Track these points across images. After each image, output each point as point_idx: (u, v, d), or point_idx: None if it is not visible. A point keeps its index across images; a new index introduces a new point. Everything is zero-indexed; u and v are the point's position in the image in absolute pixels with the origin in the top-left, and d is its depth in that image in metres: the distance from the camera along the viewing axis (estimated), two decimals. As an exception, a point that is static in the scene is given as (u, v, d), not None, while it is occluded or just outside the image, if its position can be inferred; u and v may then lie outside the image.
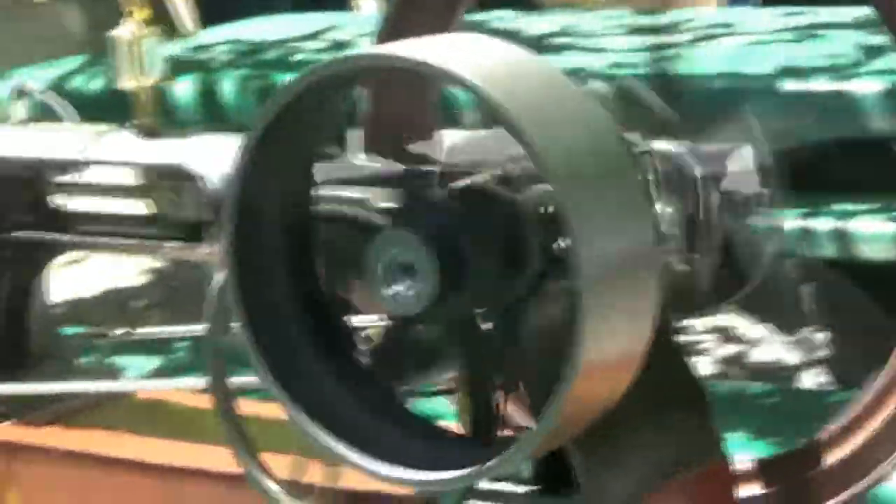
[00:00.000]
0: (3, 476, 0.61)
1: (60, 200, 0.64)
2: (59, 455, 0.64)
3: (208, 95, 1.97)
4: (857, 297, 1.45)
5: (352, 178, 0.57)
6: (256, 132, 0.53)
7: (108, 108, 0.74)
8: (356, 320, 0.56)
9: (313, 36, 2.04)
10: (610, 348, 0.49)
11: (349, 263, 0.54)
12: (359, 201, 0.55)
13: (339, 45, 1.88)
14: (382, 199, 0.55)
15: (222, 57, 2.19)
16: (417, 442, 0.54)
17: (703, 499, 0.61)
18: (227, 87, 1.94)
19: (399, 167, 0.57)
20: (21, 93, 0.68)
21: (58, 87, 1.45)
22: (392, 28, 0.67)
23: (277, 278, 0.55)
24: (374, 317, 0.56)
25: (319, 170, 0.56)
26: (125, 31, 0.63)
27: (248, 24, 2.36)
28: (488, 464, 0.50)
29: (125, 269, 2.12)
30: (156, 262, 2.19)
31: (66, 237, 0.63)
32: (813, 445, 0.64)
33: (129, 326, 0.74)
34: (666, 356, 0.58)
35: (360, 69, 0.52)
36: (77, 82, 1.68)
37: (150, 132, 0.63)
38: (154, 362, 0.84)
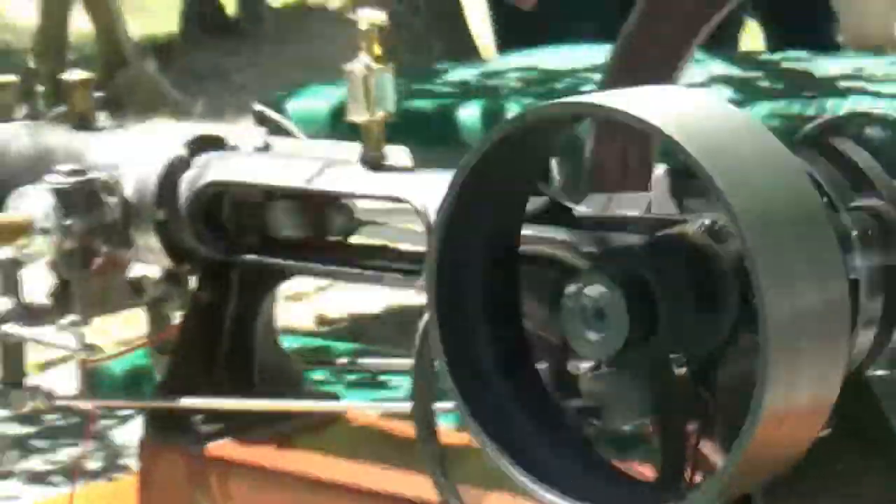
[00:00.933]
0: (218, 494, 0.64)
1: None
2: (274, 475, 0.65)
3: (494, 120, 1.99)
4: None
5: (559, 220, 0.56)
6: (466, 169, 0.53)
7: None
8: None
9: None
10: (795, 400, 0.48)
11: (546, 304, 0.55)
12: (563, 243, 0.56)
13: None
14: (586, 243, 0.55)
15: (512, 83, 2.19)
16: (603, 484, 0.54)
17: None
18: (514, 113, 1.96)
19: (606, 212, 0.56)
20: (262, 118, 0.72)
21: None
22: (616, 76, 0.67)
23: (477, 313, 0.55)
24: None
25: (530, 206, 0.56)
26: (358, 64, 0.64)
27: (545, 51, 2.34)
28: None
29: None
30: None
31: (293, 263, 0.66)
32: None
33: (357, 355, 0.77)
34: (860, 405, 0.57)
35: (562, 115, 0.53)
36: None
37: (375, 165, 0.64)
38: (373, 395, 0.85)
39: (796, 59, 2.07)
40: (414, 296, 0.64)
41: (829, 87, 1.86)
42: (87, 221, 0.64)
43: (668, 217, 0.55)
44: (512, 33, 2.59)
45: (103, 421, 2.16)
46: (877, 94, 1.79)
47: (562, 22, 2.36)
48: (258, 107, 0.71)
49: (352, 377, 0.91)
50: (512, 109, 1.91)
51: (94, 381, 0.83)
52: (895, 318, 0.56)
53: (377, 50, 0.66)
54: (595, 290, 0.51)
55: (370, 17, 0.68)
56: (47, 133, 0.71)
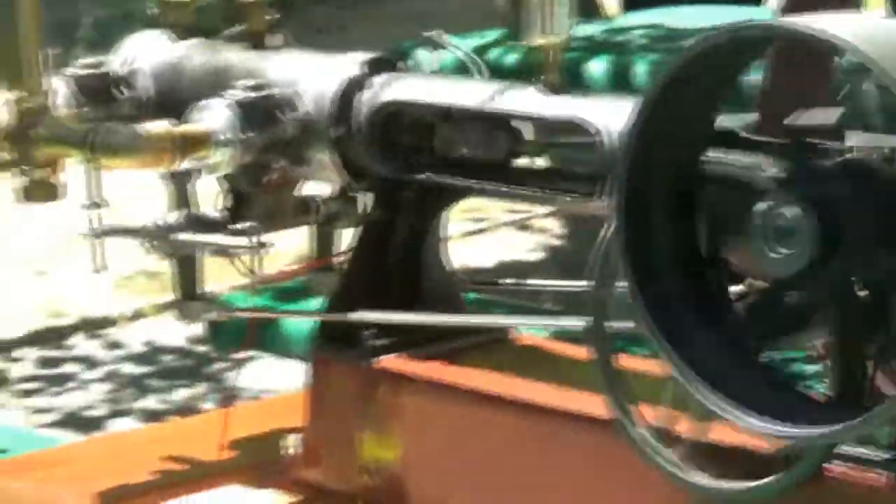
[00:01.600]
0: (387, 407, 0.65)
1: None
2: (443, 389, 0.67)
3: (620, 76, 1.99)
4: None
5: (746, 142, 0.58)
6: (653, 93, 0.55)
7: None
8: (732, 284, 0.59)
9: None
10: None
11: (730, 226, 0.57)
12: (749, 166, 0.57)
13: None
14: (771, 167, 0.56)
15: (639, 41, 2.20)
16: (781, 401, 0.56)
17: None
18: (640, 69, 1.96)
19: (790, 138, 0.57)
20: (435, 44, 0.72)
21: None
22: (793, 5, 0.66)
23: (662, 235, 0.58)
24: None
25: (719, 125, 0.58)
26: (533, -11, 0.65)
27: (670, 10, 2.37)
28: (854, 422, 0.52)
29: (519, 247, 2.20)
30: (550, 241, 2.25)
31: (466, 182, 0.67)
32: None
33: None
34: None
35: (747, 37, 0.55)
36: (493, 54, 1.77)
37: (553, 89, 0.65)
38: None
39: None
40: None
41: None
42: (266, 136, 0.67)
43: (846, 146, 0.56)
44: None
45: (219, 363, 2.21)
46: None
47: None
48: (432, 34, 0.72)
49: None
50: (639, 65, 1.93)
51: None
52: None
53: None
54: (787, 209, 0.53)
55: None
56: (224, 51, 0.73)
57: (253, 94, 0.67)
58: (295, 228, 0.72)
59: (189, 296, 0.70)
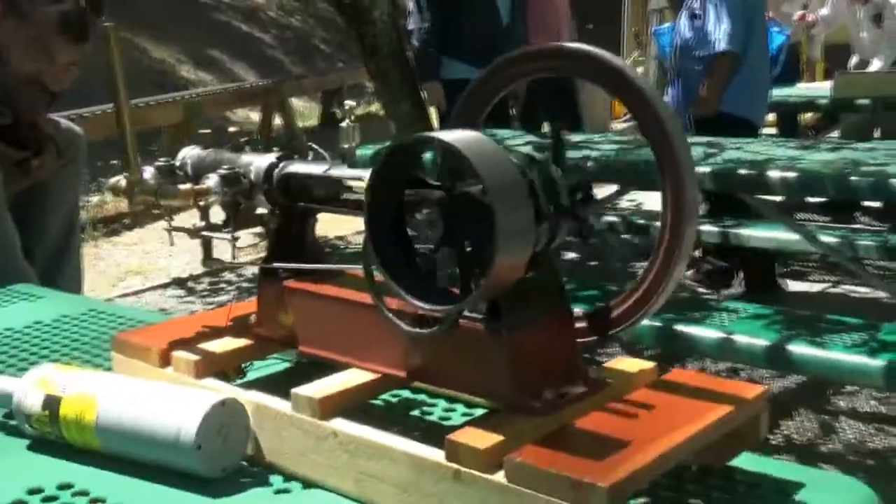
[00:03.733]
0: (289, 301, 1.41)
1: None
2: (312, 294, 1.33)
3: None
4: None
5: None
6: (375, 168, 1.29)
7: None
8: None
9: None
10: (510, 260, 0.98)
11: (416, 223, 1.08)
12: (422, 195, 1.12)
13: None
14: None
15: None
16: (440, 295, 1.05)
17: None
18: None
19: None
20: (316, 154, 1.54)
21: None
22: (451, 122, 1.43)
23: (391, 228, 1.08)
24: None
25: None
26: None
27: None
28: (459, 304, 1.02)
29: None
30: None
31: (320, 207, 1.48)
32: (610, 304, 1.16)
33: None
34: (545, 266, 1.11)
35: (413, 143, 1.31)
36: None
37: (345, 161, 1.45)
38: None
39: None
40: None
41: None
42: (235, 189, 1.46)
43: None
44: None
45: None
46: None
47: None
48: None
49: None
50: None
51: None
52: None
53: None
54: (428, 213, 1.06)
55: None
56: (224, 153, 1.53)
57: (227, 171, 1.39)
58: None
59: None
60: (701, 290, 4.96)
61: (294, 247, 1.34)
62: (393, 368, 1.26)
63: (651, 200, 6.66)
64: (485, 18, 5.59)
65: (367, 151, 4.66)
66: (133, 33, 15.28)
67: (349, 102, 1.38)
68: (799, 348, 2.82)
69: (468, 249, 1.04)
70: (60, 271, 2.94)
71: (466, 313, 1.08)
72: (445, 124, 5.05)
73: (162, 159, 1.45)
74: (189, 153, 1.51)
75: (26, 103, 2.58)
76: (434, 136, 0.99)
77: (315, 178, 1.28)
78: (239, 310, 1.40)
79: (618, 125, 9.63)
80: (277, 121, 10.68)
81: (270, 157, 1.33)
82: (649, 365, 1.19)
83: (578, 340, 1.17)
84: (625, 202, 6.38)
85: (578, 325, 1.18)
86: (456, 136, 0.99)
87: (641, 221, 4.99)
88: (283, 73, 13.51)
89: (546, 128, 5.70)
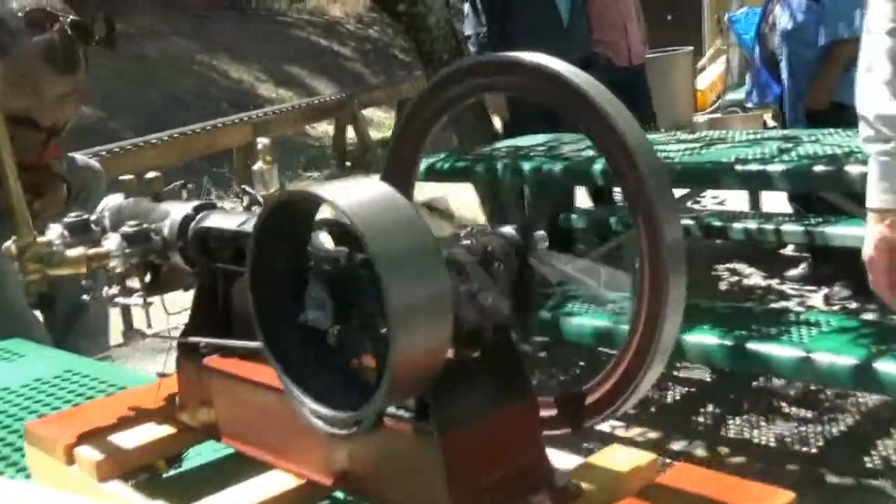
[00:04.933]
0: (209, 384, 1.17)
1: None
2: (231, 376, 1.07)
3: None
4: None
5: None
6: (259, 221, 0.87)
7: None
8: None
9: None
10: (412, 338, 0.75)
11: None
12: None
13: None
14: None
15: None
16: (349, 392, 0.85)
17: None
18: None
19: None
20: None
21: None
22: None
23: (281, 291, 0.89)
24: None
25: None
26: None
27: None
28: (364, 407, 0.81)
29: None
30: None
31: (236, 267, 1.22)
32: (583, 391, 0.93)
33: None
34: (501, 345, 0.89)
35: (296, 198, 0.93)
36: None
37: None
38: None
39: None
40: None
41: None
42: (143, 248, 1.21)
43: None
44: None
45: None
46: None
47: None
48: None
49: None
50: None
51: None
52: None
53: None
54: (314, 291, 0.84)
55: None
56: (142, 202, 1.29)
57: (133, 228, 1.11)
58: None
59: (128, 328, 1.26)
60: (807, 289, 4.59)
61: (218, 316, 1.13)
62: (318, 472, 1.01)
63: (732, 198, 6.25)
64: (544, 19, 5.29)
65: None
66: (211, 56, 15.40)
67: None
68: (890, 366, 2.46)
69: (382, 331, 0.81)
70: (80, 317, 2.76)
71: (391, 410, 0.88)
72: (507, 133, 4.83)
73: (73, 214, 1.23)
74: (110, 203, 1.27)
75: (19, 143, 2.40)
76: (317, 191, 0.80)
77: (231, 235, 1.06)
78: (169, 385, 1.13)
79: (700, 118, 9.16)
80: (352, 134, 10.55)
81: (187, 208, 1.13)
82: (646, 459, 0.95)
83: (546, 433, 0.95)
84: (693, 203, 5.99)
85: (546, 413, 0.96)
86: (344, 192, 0.79)
87: (718, 224, 4.62)
88: (362, 86, 13.38)
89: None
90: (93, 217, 1.27)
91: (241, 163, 8.20)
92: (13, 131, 2.42)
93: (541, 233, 0.92)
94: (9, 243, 1.16)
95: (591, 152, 3.88)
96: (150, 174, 1.29)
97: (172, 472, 1.22)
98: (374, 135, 11.61)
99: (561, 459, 0.97)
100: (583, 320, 3.26)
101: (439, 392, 0.85)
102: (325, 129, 12.85)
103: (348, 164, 10.07)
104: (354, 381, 0.85)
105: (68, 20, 2.31)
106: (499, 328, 0.90)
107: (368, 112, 12.12)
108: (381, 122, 13.74)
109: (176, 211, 1.12)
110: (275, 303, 0.87)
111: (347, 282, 0.81)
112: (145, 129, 8.87)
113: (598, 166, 3.53)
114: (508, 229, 0.92)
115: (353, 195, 0.77)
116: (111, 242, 1.16)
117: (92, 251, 1.15)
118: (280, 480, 1.03)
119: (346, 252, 0.82)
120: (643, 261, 0.88)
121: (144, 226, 1.18)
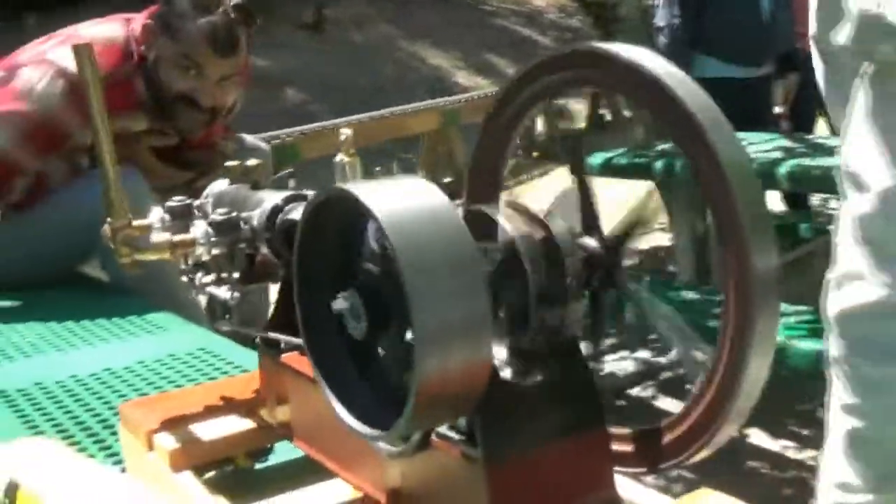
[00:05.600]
0: (283, 384, 1.08)
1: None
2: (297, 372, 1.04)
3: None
4: None
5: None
6: (305, 217, 0.82)
7: None
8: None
9: None
10: (444, 370, 0.68)
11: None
12: None
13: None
14: None
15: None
16: (386, 411, 0.75)
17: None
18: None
19: None
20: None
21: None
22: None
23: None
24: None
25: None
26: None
27: None
28: (385, 432, 0.74)
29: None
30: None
31: None
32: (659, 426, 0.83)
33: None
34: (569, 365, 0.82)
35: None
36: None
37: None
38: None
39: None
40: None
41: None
42: (230, 238, 1.17)
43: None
44: None
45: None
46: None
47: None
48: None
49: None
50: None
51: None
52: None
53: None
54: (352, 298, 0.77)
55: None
56: (243, 190, 1.25)
57: (222, 216, 1.08)
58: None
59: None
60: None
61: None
62: (374, 487, 0.94)
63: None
64: (741, 9, 5.01)
65: (595, 160, 4.30)
66: (411, 42, 15.64)
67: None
68: None
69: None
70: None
71: (443, 430, 0.82)
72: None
73: (176, 198, 1.20)
74: (214, 189, 1.24)
75: (183, 122, 2.47)
76: (353, 191, 0.73)
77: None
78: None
79: None
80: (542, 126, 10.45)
81: (278, 198, 1.09)
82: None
83: (620, 470, 0.86)
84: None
85: (622, 448, 0.86)
86: (383, 193, 0.72)
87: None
88: (556, 76, 13.16)
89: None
90: (196, 203, 1.25)
91: (427, 150, 8.25)
92: (180, 108, 2.51)
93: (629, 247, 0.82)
94: (106, 225, 1.15)
95: (779, 154, 3.63)
96: (252, 161, 1.26)
97: (257, 467, 1.19)
98: (568, 125, 11.45)
99: (645, 499, 0.86)
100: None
101: (488, 416, 0.78)
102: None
103: (535, 154, 10.00)
104: (397, 397, 0.77)
105: (231, 4, 2.33)
106: (570, 349, 0.80)
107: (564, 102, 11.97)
108: (577, 113, 13.57)
109: (269, 200, 1.08)
110: (321, 309, 0.80)
111: (383, 291, 0.73)
112: (345, 114, 9.09)
113: (785, 169, 3.30)
114: (591, 241, 0.82)
115: (392, 197, 0.69)
116: (198, 230, 1.14)
117: (178, 238, 1.12)
118: (338, 491, 0.97)
119: (382, 257, 0.74)
120: (727, 291, 0.76)
121: (234, 214, 1.14)
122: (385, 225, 0.67)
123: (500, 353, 0.83)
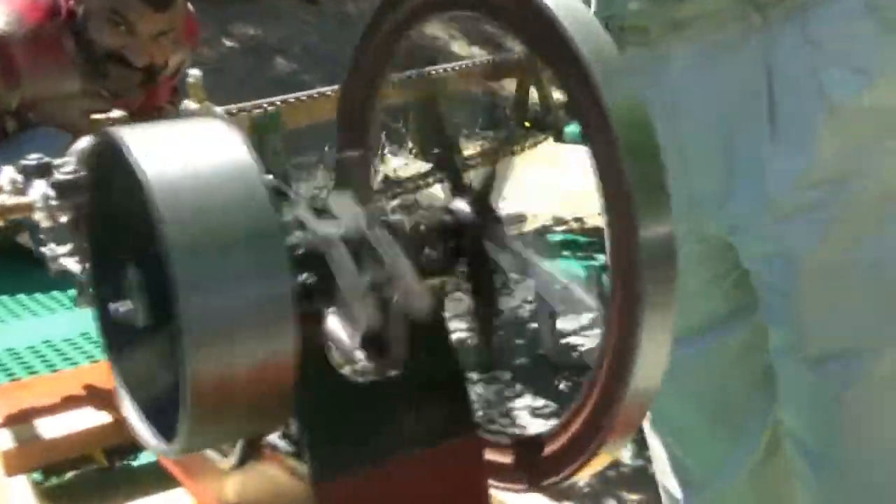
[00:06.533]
0: None
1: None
2: None
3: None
4: None
5: None
6: None
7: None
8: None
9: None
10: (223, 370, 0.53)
11: None
12: None
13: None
14: None
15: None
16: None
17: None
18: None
19: None
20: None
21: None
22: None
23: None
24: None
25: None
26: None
27: None
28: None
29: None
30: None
31: None
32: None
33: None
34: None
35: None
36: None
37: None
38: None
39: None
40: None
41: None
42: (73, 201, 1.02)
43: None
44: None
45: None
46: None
47: None
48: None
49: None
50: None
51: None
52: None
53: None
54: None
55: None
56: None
57: (68, 175, 0.95)
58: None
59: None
60: None
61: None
62: (212, 500, 0.79)
63: None
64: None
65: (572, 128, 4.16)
66: (407, 11, 15.42)
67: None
68: None
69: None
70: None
71: (273, 440, 0.66)
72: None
73: (33, 156, 1.02)
74: (80, 145, 1.06)
75: (116, 82, 2.29)
76: (115, 135, 0.57)
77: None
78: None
79: None
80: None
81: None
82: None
83: (497, 485, 0.69)
84: None
85: (499, 459, 0.70)
86: (153, 136, 0.57)
87: None
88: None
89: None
90: (57, 161, 1.08)
91: (416, 119, 8.10)
92: (111, 67, 2.34)
93: (506, 212, 0.67)
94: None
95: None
96: (116, 113, 1.09)
97: (120, 469, 1.03)
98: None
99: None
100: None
101: (319, 423, 0.62)
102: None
103: (527, 124, 9.84)
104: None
105: (168, -47, 2.16)
106: (432, 338, 0.66)
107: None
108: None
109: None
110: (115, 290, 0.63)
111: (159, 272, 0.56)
112: (337, 83, 8.92)
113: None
114: (461, 204, 0.68)
115: (162, 142, 0.54)
116: (35, 192, 0.97)
117: (12, 201, 0.96)
118: (178, 502, 0.81)
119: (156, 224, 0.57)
120: (611, 266, 0.59)
121: (83, 174, 0.98)
122: (149, 184, 0.52)
123: (342, 344, 0.67)
